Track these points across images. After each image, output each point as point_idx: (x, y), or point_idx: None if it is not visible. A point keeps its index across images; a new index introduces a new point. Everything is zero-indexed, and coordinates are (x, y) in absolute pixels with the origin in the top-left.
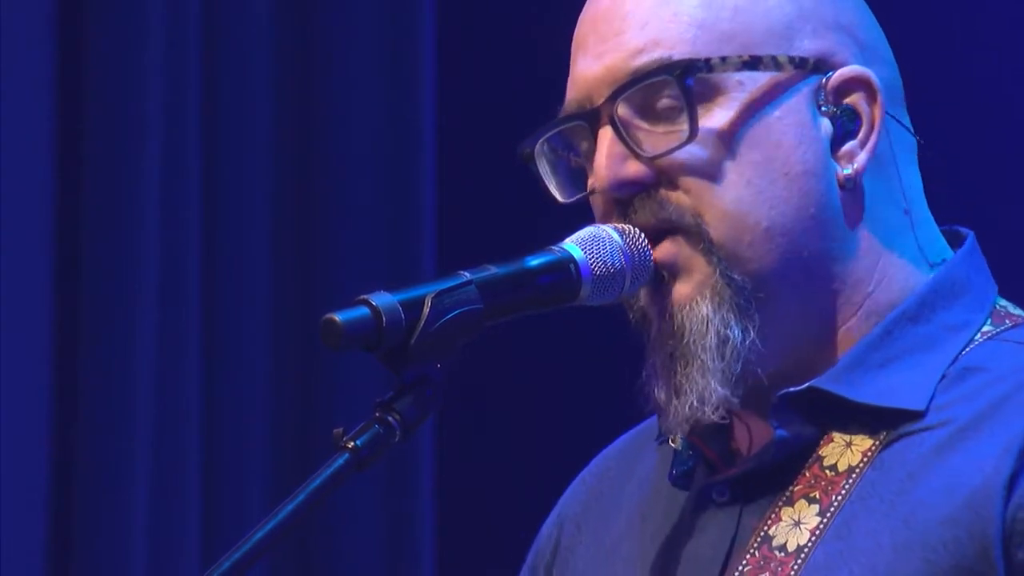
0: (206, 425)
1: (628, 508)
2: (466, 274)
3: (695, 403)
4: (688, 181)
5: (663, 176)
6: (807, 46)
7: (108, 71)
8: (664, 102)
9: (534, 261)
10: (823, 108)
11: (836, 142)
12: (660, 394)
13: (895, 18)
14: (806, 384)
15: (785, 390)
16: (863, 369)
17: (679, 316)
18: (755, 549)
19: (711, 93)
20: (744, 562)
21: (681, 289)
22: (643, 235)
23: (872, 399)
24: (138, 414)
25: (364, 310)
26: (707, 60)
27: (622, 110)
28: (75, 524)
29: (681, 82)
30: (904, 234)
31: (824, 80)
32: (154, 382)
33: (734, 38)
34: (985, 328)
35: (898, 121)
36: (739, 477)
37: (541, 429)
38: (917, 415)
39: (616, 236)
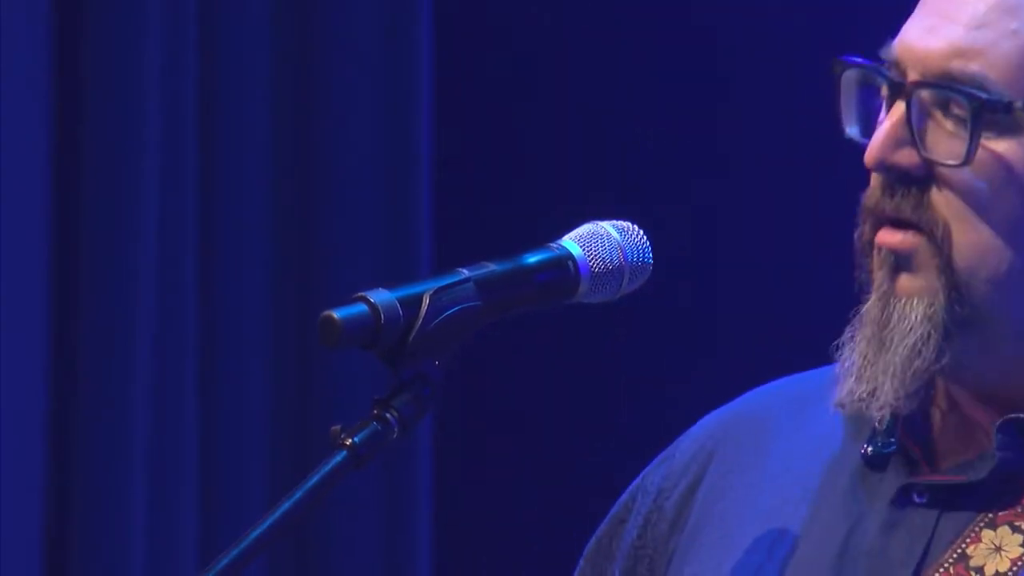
0: (204, 423)
1: (796, 467)
2: (464, 271)
3: (866, 395)
4: (953, 198)
5: (933, 177)
6: None
7: (106, 71)
8: (959, 111)
9: (532, 258)
10: None
11: None
12: (846, 363)
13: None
14: None
15: (1015, 415)
16: None
17: (892, 305)
18: (950, 564)
19: (1003, 126)
20: (937, 574)
21: (905, 283)
22: (642, 234)
23: None
24: (136, 413)
25: (362, 307)
26: (1009, 104)
27: (926, 96)
28: (73, 523)
29: (977, 114)
30: None
31: None
32: (152, 381)
33: None
34: None
35: None
36: (943, 484)
37: (541, 429)
38: None
39: (615, 233)
